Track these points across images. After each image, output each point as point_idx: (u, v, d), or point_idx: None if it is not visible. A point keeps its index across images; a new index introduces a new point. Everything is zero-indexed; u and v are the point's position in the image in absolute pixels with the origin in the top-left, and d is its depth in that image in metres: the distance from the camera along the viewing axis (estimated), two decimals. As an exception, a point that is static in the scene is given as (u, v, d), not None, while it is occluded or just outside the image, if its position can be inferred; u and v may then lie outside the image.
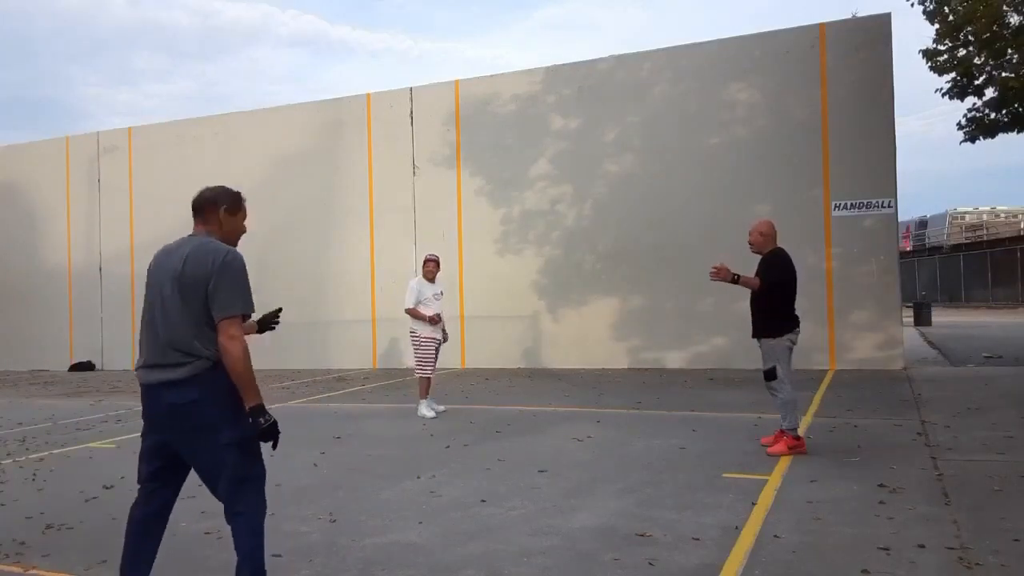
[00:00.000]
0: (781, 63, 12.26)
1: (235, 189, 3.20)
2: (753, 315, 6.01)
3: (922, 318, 21.21)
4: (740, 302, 6.07)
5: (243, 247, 3.17)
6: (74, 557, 3.98)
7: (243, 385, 2.87)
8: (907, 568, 3.49)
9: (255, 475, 3.04)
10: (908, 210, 64.36)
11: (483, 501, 4.82)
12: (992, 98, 12.60)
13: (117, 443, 7.35)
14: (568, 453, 6.23)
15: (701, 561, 3.65)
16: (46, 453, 6.95)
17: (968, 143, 13.26)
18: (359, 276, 14.76)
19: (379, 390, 11.11)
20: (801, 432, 6.51)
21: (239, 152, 15.64)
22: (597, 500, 4.78)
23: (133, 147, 16.61)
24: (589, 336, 13.24)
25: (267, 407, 2.96)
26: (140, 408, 3.07)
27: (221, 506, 3.03)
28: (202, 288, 2.87)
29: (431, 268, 8.41)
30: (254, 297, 3.01)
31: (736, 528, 4.11)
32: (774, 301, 5.88)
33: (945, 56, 12.42)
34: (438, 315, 8.34)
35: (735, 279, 5.81)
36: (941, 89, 12.85)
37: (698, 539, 3.96)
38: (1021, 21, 11.56)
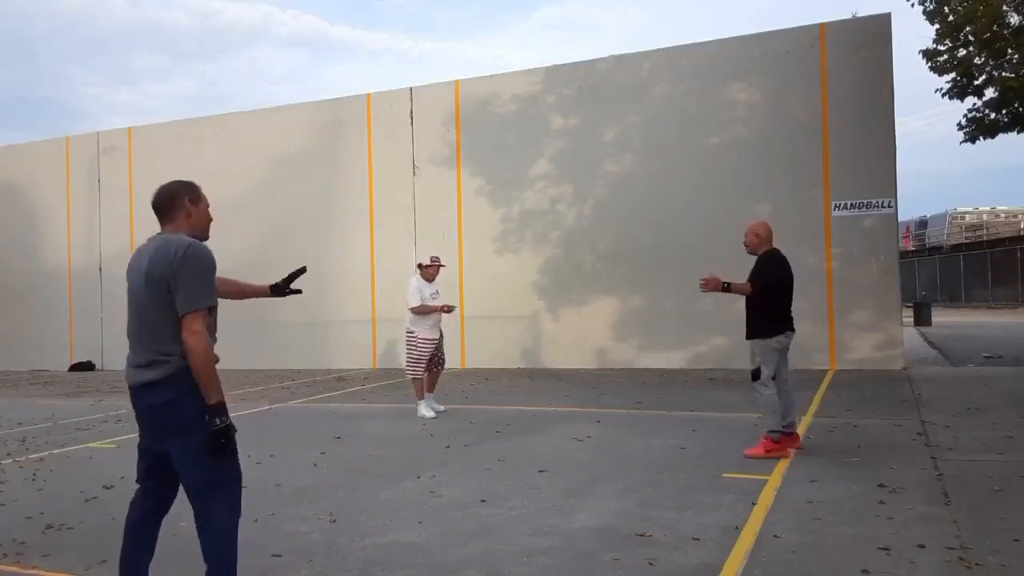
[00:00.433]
0: (781, 63, 12.26)
1: (188, 180, 3.11)
2: (747, 316, 5.97)
3: (922, 318, 21.21)
4: (740, 302, 6.06)
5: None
6: (74, 557, 3.98)
7: (204, 382, 2.80)
8: (907, 568, 3.49)
9: (230, 478, 2.96)
10: (908, 210, 64.40)
11: (483, 501, 4.82)
12: (992, 98, 12.59)
13: (117, 443, 7.35)
14: (568, 453, 6.23)
15: (701, 561, 3.65)
16: (46, 453, 6.95)
17: (968, 143, 13.26)
18: (359, 276, 14.76)
19: (379, 390, 11.11)
20: (801, 432, 6.52)
21: (239, 152, 15.64)
22: (597, 500, 4.78)
23: (133, 147, 16.62)
24: (589, 336, 13.24)
25: (254, 410, 2.93)
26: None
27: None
28: (165, 284, 2.82)
29: (433, 272, 8.41)
30: (276, 284, 2.95)
31: (736, 528, 4.11)
32: (768, 303, 5.83)
33: (945, 56, 12.41)
34: (451, 305, 8.40)
35: (726, 287, 5.78)
36: (941, 89, 12.85)
37: (698, 539, 3.96)
38: (1021, 21, 11.56)
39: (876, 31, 11.79)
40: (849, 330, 11.74)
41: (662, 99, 13.00)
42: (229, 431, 2.86)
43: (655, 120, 13.02)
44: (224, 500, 2.94)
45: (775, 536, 3.96)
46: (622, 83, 13.20)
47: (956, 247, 41.33)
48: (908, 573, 3.44)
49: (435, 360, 8.43)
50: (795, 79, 12.16)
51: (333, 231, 15.01)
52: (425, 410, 8.32)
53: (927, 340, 16.23)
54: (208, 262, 2.90)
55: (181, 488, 3.13)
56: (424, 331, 8.28)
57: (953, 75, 12.57)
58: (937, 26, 12.33)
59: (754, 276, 5.91)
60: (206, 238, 3.08)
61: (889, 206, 11.63)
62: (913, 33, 14.45)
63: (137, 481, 3.09)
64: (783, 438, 5.81)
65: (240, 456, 3.02)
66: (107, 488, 5.41)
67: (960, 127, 13.31)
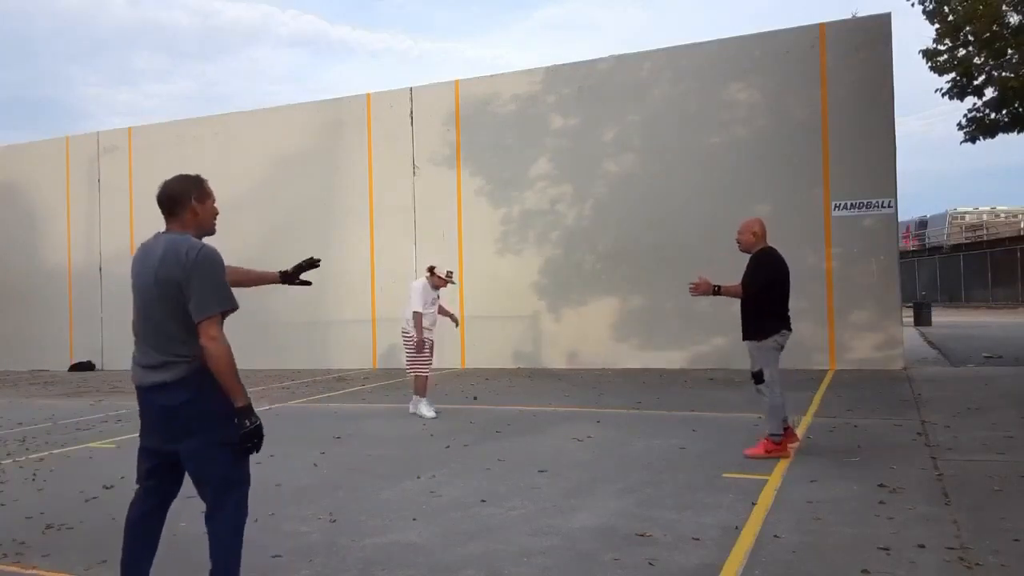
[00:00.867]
0: (781, 63, 12.26)
1: (194, 174, 3.09)
2: (743, 317, 5.93)
3: (922, 318, 21.21)
4: (738, 302, 6.04)
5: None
6: (74, 557, 3.98)
7: (229, 386, 2.81)
8: (907, 568, 3.49)
9: (241, 479, 2.99)
10: (908, 210, 64.42)
11: (483, 501, 4.82)
12: (992, 98, 12.60)
13: (117, 443, 7.35)
14: (568, 453, 6.23)
15: (701, 561, 3.65)
16: (46, 453, 6.95)
17: (968, 143, 13.26)
18: (359, 276, 14.76)
19: (379, 390, 11.11)
20: (801, 432, 6.52)
21: (239, 152, 15.65)
22: (597, 500, 4.78)
23: (133, 147, 16.62)
24: (589, 336, 13.24)
25: (255, 410, 2.93)
26: (138, 407, 3.06)
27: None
28: (176, 288, 2.82)
29: (441, 285, 8.45)
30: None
31: (736, 528, 4.11)
32: (763, 303, 5.78)
33: (945, 56, 12.42)
34: (431, 341, 8.39)
35: (716, 291, 5.76)
36: (941, 89, 12.85)
37: (698, 539, 3.96)
38: (1021, 21, 11.56)
39: (876, 31, 11.80)
40: (849, 330, 11.74)
41: (662, 99, 13.00)
42: (260, 431, 2.90)
43: (655, 120, 13.02)
44: (234, 500, 2.97)
45: (775, 536, 3.96)
46: (622, 83, 13.21)
47: (956, 247, 41.33)
48: (908, 573, 3.44)
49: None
50: (795, 79, 12.17)
51: (333, 231, 15.01)
52: (426, 409, 8.33)
53: (927, 340, 16.23)
54: (219, 265, 2.90)
55: (181, 488, 3.14)
56: (418, 334, 8.32)
57: (953, 75, 12.57)
58: (937, 26, 12.33)
59: (747, 277, 5.85)
60: (212, 233, 3.07)
61: (889, 206, 11.63)
62: (913, 33, 14.47)
63: (137, 481, 3.08)
64: (782, 436, 5.80)
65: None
66: (107, 488, 5.41)
67: (960, 127, 13.32)
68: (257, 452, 2.92)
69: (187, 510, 4.23)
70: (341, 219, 14.99)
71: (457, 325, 8.78)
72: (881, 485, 4.85)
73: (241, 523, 3.00)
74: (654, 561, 3.66)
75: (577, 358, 13.22)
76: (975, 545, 3.74)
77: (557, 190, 13.57)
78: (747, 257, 6.01)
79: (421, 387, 8.43)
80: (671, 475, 5.33)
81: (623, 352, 13.00)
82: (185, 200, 3.00)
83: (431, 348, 8.44)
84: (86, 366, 16.59)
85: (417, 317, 8.20)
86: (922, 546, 3.75)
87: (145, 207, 17.45)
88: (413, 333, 8.30)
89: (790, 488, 4.89)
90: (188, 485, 3.11)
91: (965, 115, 13.19)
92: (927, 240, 48.18)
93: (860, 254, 11.72)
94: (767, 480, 5.08)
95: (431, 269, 8.46)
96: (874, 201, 11.64)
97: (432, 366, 8.54)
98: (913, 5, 12.35)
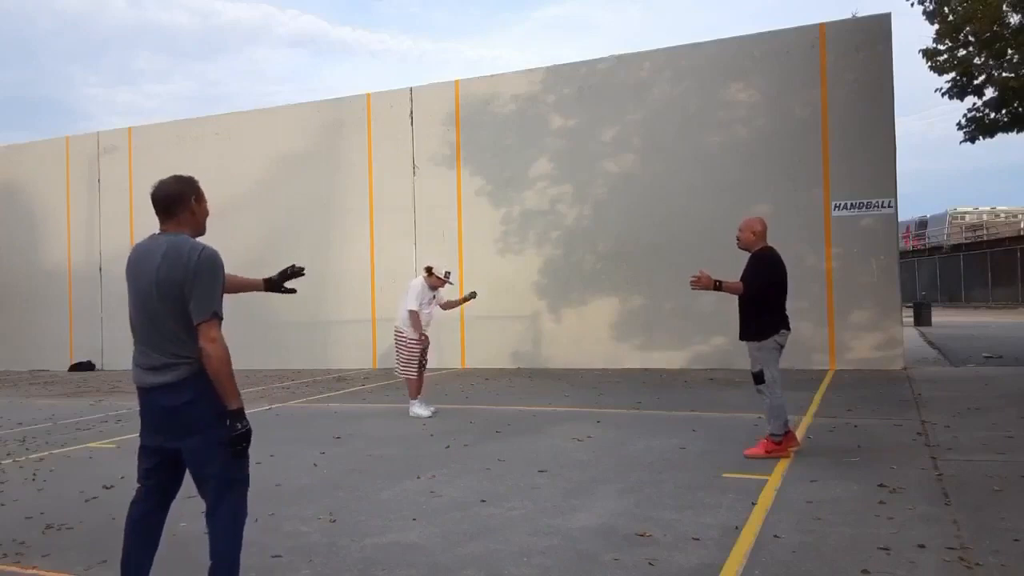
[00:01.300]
0: (781, 63, 12.26)
1: (188, 175, 3.09)
2: (741, 317, 5.92)
3: (922, 318, 21.21)
4: (737, 302, 6.03)
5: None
6: (74, 557, 3.98)
7: (224, 388, 2.84)
8: (907, 568, 3.49)
9: (242, 478, 3.02)
10: (908, 210, 64.40)
11: (483, 501, 4.82)
12: (992, 98, 12.60)
13: (117, 443, 7.35)
14: (568, 453, 6.22)
15: (701, 561, 3.65)
16: (46, 453, 6.95)
17: (968, 143, 13.27)
18: (359, 276, 14.76)
19: (379, 390, 11.11)
20: (801, 432, 6.52)
21: (239, 152, 15.64)
22: (597, 500, 4.78)
23: (133, 147, 16.62)
24: (589, 336, 13.24)
25: (251, 411, 2.94)
26: (139, 407, 3.06)
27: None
28: (179, 289, 2.83)
29: (438, 285, 8.47)
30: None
31: (736, 528, 4.11)
32: (762, 303, 5.77)
33: (945, 56, 12.42)
34: (426, 336, 8.45)
35: (717, 285, 5.75)
36: (941, 89, 12.85)
37: (698, 539, 3.96)
38: (1021, 21, 11.56)
39: (876, 31, 11.79)
40: (849, 330, 11.73)
41: (662, 99, 13.00)
42: (249, 435, 2.93)
43: (655, 120, 13.02)
44: (235, 499, 2.99)
45: (775, 536, 3.96)
46: (622, 83, 13.20)
47: (956, 247, 41.33)
48: (908, 573, 3.44)
49: (420, 361, 8.49)
50: (795, 79, 12.16)
51: (333, 231, 15.01)
52: (420, 409, 8.33)
53: (927, 340, 16.23)
54: (221, 268, 2.93)
55: (181, 488, 3.14)
56: (413, 332, 8.33)
57: (953, 75, 12.57)
58: (937, 26, 12.33)
59: (748, 276, 5.83)
60: (204, 233, 3.09)
61: (889, 206, 11.63)
62: (913, 33, 14.46)
63: (138, 481, 3.08)
64: (783, 437, 5.80)
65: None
66: (107, 488, 5.41)
67: (960, 127, 13.32)
68: (243, 455, 2.94)
69: (187, 510, 4.23)
70: (341, 219, 14.99)
71: (475, 296, 8.81)
72: (881, 485, 4.85)
73: (241, 522, 3.02)
74: (654, 561, 3.66)
75: (577, 358, 13.22)
76: (975, 545, 3.74)
77: (557, 190, 13.57)
78: (747, 256, 6.02)
79: (413, 389, 8.44)
80: (671, 475, 5.33)
81: (623, 352, 13.00)
82: (186, 200, 3.02)
83: (426, 348, 8.45)
84: (86, 366, 16.58)
85: (413, 315, 8.22)
86: (922, 546, 3.75)
87: (145, 207, 17.28)
88: (406, 332, 8.32)
89: (790, 488, 4.89)
90: (188, 485, 3.12)
91: (965, 115, 13.20)
92: (927, 240, 48.16)
93: (860, 254, 11.72)
94: (767, 480, 5.08)
95: (428, 269, 8.48)
96: (874, 201, 11.64)
97: (427, 366, 8.56)
98: (913, 5, 12.36)
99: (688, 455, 5.97)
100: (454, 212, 14.17)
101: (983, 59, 12.11)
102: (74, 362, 16.77)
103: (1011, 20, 11.63)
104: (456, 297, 9.19)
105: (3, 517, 4.81)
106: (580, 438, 6.81)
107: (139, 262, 2.96)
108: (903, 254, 34.21)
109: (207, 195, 3.16)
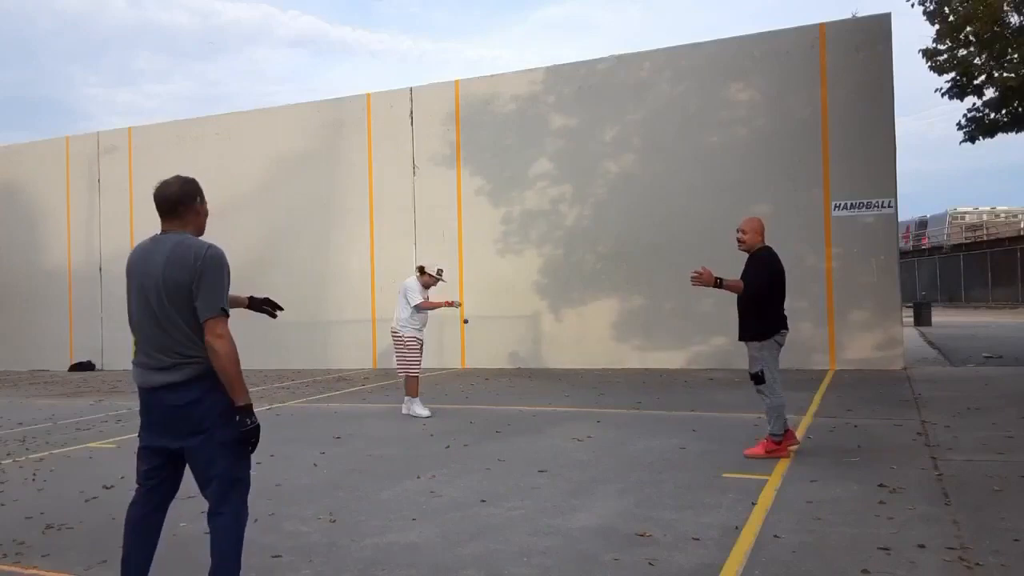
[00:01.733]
0: (781, 63, 12.26)
1: (189, 176, 3.11)
2: (740, 316, 5.92)
3: (922, 318, 21.20)
4: (737, 302, 6.03)
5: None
6: (74, 557, 3.98)
7: (232, 384, 2.85)
8: (907, 568, 3.49)
9: (245, 478, 3.03)
10: (908, 210, 64.39)
11: (483, 501, 4.82)
12: (992, 98, 12.60)
13: (117, 443, 7.35)
14: (568, 453, 6.23)
15: (701, 561, 3.65)
16: (46, 453, 6.95)
17: (968, 143, 13.27)
18: (359, 276, 14.76)
19: (379, 390, 11.11)
20: (801, 432, 6.52)
21: (239, 152, 15.64)
22: (597, 500, 4.78)
23: (133, 147, 16.62)
24: (589, 336, 13.24)
25: (255, 409, 2.96)
26: (139, 408, 3.06)
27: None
28: (186, 289, 2.84)
29: (431, 283, 8.55)
30: (255, 297, 2.98)
31: (736, 528, 4.11)
32: (761, 303, 5.78)
33: (945, 56, 12.41)
34: (456, 301, 8.77)
35: (718, 283, 5.75)
36: (941, 89, 12.85)
37: (698, 539, 3.96)
38: (1021, 21, 11.56)
39: (876, 31, 11.80)
40: (849, 330, 11.73)
41: (662, 99, 13.00)
42: (258, 431, 2.94)
43: (655, 120, 13.02)
44: (238, 498, 3.00)
45: (775, 536, 3.96)
46: (622, 83, 13.21)
47: (956, 247, 41.32)
48: (908, 573, 3.44)
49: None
50: (795, 79, 12.16)
51: (333, 231, 15.01)
52: (419, 408, 8.35)
53: (927, 340, 16.22)
54: (227, 266, 2.95)
55: (181, 488, 3.14)
56: (410, 332, 8.41)
57: (953, 75, 12.57)
58: (937, 26, 12.32)
59: (749, 276, 5.84)
60: (203, 233, 3.10)
61: (889, 206, 11.63)
62: (913, 33, 14.46)
63: (137, 481, 3.08)
64: (783, 436, 5.80)
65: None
66: (107, 488, 5.41)
67: (960, 127, 13.32)
68: (253, 451, 2.97)
69: (187, 510, 4.24)
70: (341, 219, 14.99)
71: (456, 306, 8.92)
72: (881, 485, 4.85)
73: (243, 522, 3.03)
74: (654, 561, 3.66)
75: (577, 358, 13.22)
76: (975, 545, 3.74)
77: (557, 190, 13.57)
78: (746, 256, 6.03)
79: (413, 387, 8.46)
80: (671, 475, 5.33)
81: (623, 352, 13.00)
82: (192, 201, 3.04)
83: (420, 348, 8.48)
84: (86, 366, 16.59)
85: (424, 305, 8.36)
86: (922, 546, 3.75)
87: (145, 207, 17.38)
88: (403, 333, 8.36)
89: (790, 488, 4.89)
90: (188, 485, 3.12)
91: (965, 115, 13.20)
92: (928, 239, 48.15)
93: (860, 254, 11.72)
94: (767, 480, 5.08)
95: (421, 268, 8.54)
96: (874, 201, 11.64)
97: (421, 366, 8.60)
98: (913, 5, 12.35)
99: (688, 455, 5.97)
100: (454, 212, 14.17)
101: (983, 59, 12.10)
102: (74, 362, 16.77)
103: (1011, 20, 11.63)
104: (456, 298, 9.22)
105: (3, 517, 4.81)
106: (580, 438, 6.81)
107: (142, 263, 2.96)
108: (903, 254, 34.23)
109: (207, 195, 3.17)
